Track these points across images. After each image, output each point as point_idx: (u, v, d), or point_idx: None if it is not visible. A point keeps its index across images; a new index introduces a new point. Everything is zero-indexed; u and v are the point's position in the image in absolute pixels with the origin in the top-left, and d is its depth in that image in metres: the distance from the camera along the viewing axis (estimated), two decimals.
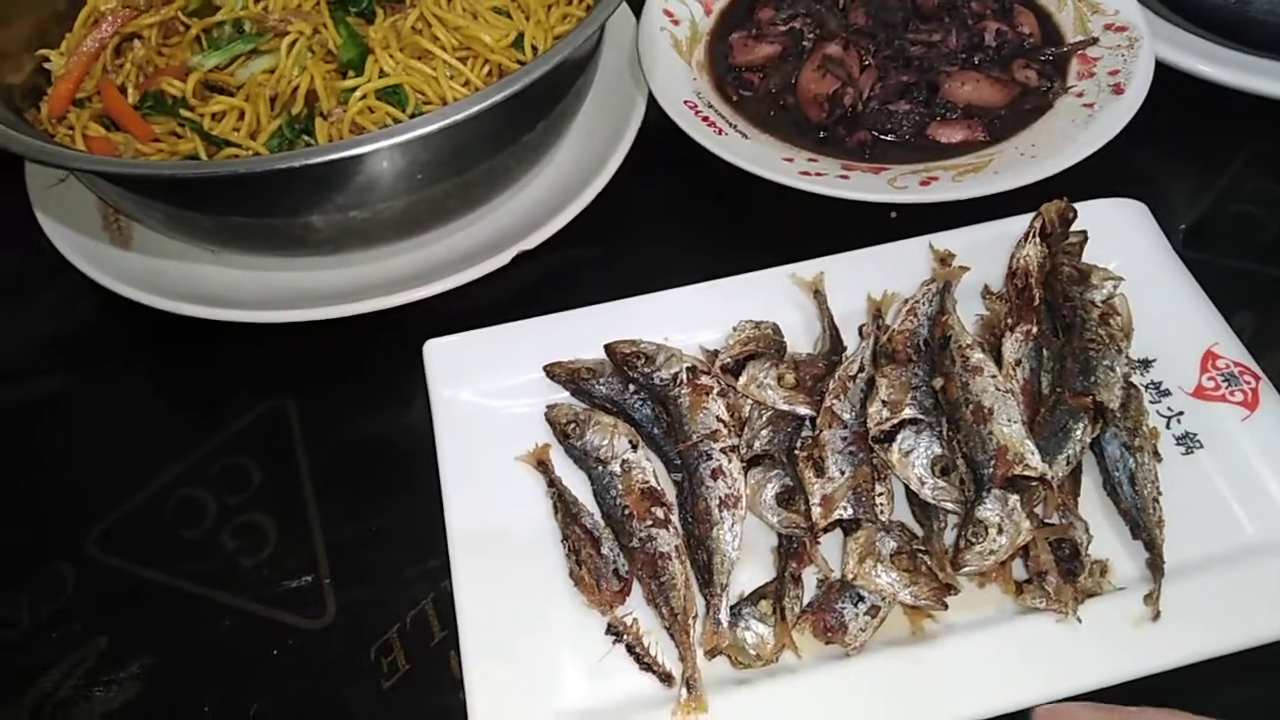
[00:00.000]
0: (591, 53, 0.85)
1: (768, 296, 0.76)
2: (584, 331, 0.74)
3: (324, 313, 0.79)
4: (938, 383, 0.68)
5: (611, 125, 0.90)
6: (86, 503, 0.75)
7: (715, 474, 0.65)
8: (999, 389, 0.66)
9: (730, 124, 0.89)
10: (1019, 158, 0.84)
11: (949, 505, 0.64)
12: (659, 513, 0.66)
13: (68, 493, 0.77)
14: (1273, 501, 0.65)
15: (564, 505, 0.68)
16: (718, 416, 0.68)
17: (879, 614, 0.61)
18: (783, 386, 0.69)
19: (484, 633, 0.62)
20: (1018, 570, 0.63)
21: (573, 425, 0.70)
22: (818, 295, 0.76)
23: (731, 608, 0.62)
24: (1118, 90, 0.86)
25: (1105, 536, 0.64)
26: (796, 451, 0.68)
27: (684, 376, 0.70)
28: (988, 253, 0.76)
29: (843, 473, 0.65)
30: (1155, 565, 0.62)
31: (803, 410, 0.69)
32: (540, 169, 0.88)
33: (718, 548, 0.63)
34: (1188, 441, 0.69)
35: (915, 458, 0.65)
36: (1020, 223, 0.77)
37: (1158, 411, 0.70)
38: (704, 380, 0.70)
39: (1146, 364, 0.73)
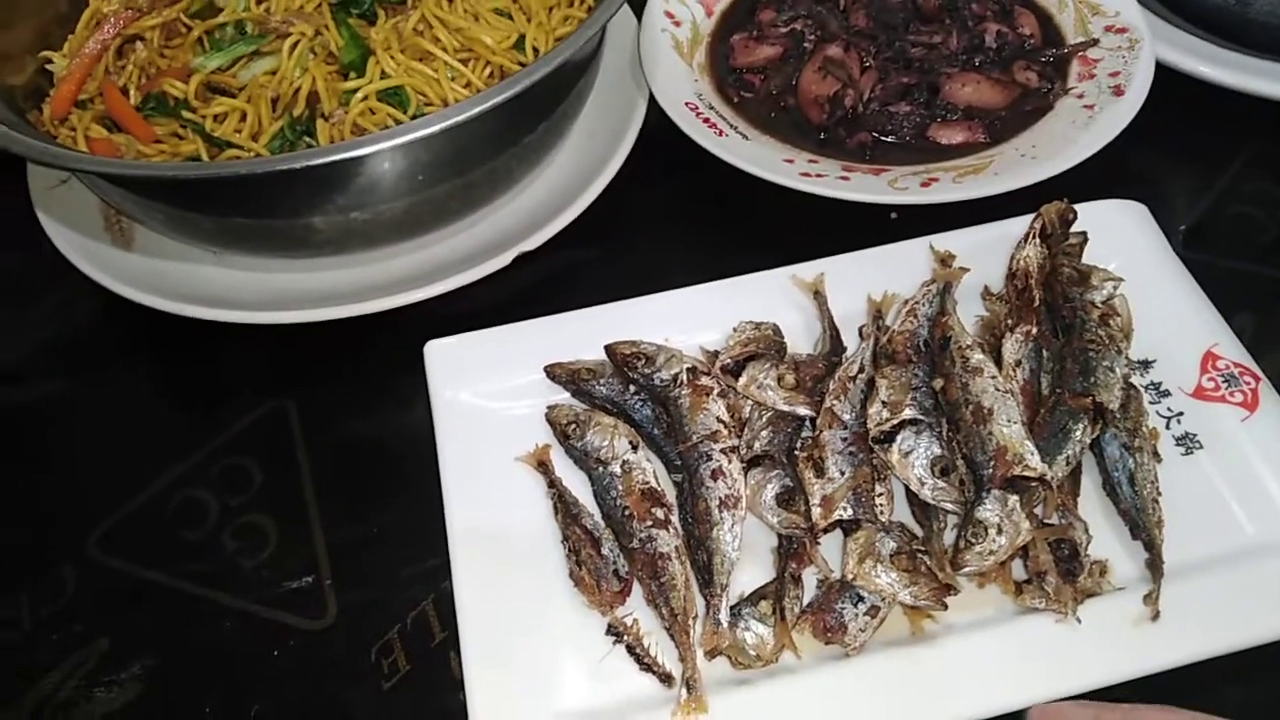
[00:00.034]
0: (593, 54, 0.85)
1: (768, 297, 0.76)
2: (584, 332, 0.74)
3: (325, 314, 0.79)
4: (938, 383, 0.68)
5: (612, 126, 0.90)
6: (88, 504, 0.75)
7: (715, 475, 0.65)
8: (999, 390, 0.66)
9: (731, 125, 0.89)
10: (1019, 159, 0.84)
11: (949, 506, 0.64)
12: (659, 513, 0.66)
13: (69, 494, 0.77)
14: (1272, 502, 0.65)
15: (564, 506, 0.68)
16: (718, 417, 0.68)
17: (879, 614, 0.61)
18: (783, 387, 0.69)
19: (484, 633, 0.62)
20: (1017, 570, 0.63)
21: (573, 426, 0.70)
22: (818, 296, 0.76)
23: (731, 608, 0.62)
24: (1118, 92, 0.86)
25: (1105, 537, 0.64)
26: (796, 452, 0.68)
27: (684, 377, 0.70)
28: (988, 254, 0.76)
29: (843, 473, 0.65)
30: (1155, 566, 0.62)
31: (803, 411, 0.69)
32: (541, 170, 0.88)
33: (718, 548, 0.63)
34: (1187, 442, 0.69)
35: (915, 458, 0.65)
36: (1020, 224, 0.77)
37: (1157, 412, 0.70)
38: (704, 381, 0.70)
39: (1146, 365, 0.73)
